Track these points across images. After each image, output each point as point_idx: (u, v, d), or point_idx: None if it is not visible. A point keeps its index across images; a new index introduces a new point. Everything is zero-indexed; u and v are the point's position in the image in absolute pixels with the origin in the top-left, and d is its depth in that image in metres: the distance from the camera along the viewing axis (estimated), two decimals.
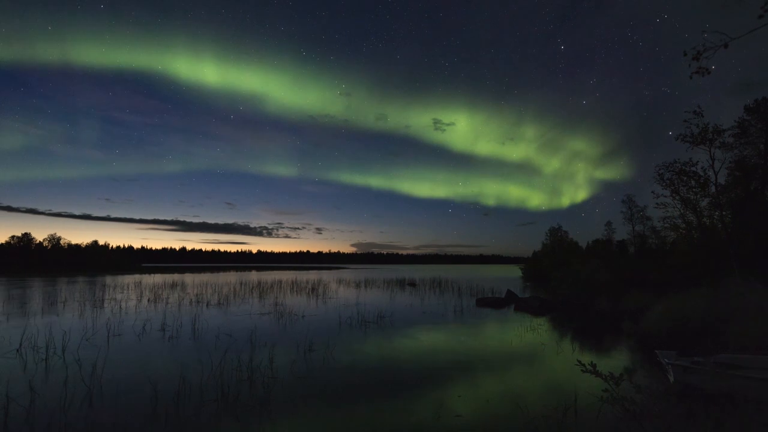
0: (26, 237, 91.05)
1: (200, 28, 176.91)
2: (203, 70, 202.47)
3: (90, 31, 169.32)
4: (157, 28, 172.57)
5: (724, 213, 17.69)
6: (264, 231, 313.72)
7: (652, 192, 19.77)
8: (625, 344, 11.33)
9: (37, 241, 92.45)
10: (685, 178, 18.41)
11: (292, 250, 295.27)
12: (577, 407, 5.87)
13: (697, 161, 17.99)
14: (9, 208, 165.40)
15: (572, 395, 6.41)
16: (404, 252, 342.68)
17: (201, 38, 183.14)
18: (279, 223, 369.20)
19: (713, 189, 17.79)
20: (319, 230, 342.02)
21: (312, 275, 61.14)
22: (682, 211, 19.11)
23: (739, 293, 11.91)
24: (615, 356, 9.95)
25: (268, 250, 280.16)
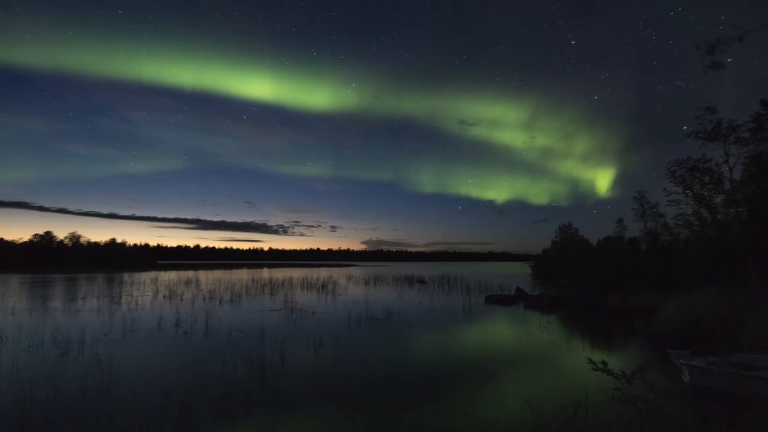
0: (48, 235, 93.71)
1: (213, 30, 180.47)
2: (216, 71, 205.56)
3: (108, 35, 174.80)
4: (172, 30, 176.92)
5: (739, 210, 17.31)
6: (280, 229, 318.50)
7: (664, 189, 19.48)
8: (637, 343, 11.21)
9: (59, 239, 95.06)
10: (698, 175, 18.07)
11: (304, 248, 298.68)
12: (588, 405, 5.84)
13: (711, 158, 17.66)
14: (41, 208, 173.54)
15: (583, 393, 6.38)
16: (413, 249, 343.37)
17: (214, 40, 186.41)
18: (296, 222, 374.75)
19: (728, 185, 17.43)
20: (333, 228, 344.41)
21: (322, 272, 61.55)
22: (695, 208, 18.78)
23: (755, 292, 11.67)
24: (626, 355, 9.86)
25: (280, 248, 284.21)
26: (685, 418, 5.32)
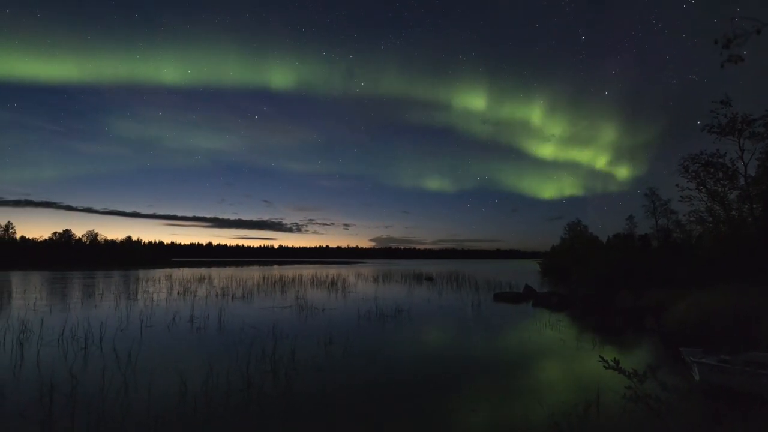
0: (67, 233, 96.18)
1: (225, 32, 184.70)
2: (228, 72, 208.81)
3: (124, 38, 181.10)
4: (185, 33, 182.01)
5: (754, 206, 16.96)
6: (294, 227, 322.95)
7: (677, 185, 19.16)
8: (648, 341, 11.12)
9: (77, 237, 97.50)
10: (712, 170, 17.75)
11: (313, 245, 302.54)
12: (599, 404, 5.85)
13: (725, 152, 17.32)
14: (69, 207, 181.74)
15: (594, 392, 6.38)
16: (422, 247, 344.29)
17: (226, 42, 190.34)
18: (310, 219, 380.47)
19: (742, 181, 17.11)
20: (346, 226, 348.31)
21: (331, 270, 61.96)
22: (708, 204, 18.44)
23: None
24: (637, 353, 9.80)
25: (290, 245, 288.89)
26: (697, 416, 5.31)
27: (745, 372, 6.30)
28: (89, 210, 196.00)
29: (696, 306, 11.87)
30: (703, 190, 18.38)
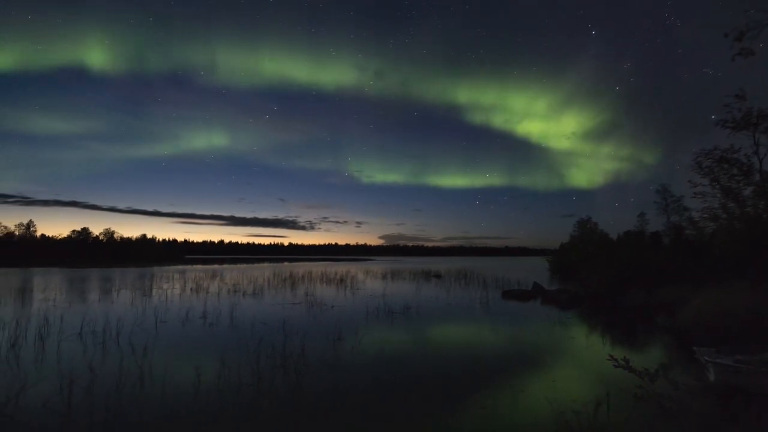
0: (85, 231, 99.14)
1: (233, 32, 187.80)
2: (238, 72, 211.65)
3: (139, 40, 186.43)
4: (196, 34, 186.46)
5: None
6: (307, 225, 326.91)
7: (689, 181, 18.79)
8: (660, 340, 11.00)
9: (94, 235, 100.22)
10: (726, 166, 17.38)
11: (323, 243, 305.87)
12: (610, 403, 5.81)
13: (740, 148, 16.96)
14: (94, 206, 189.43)
15: (604, 391, 6.34)
16: (430, 244, 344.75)
17: (234, 42, 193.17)
18: (324, 218, 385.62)
19: (758, 177, 16.72)
20: (359, 224, 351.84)
21: (340, 267, 62.33)
22: (722, 200, 18.06)
23: None
24: (649, 352, 9.70)
25: (302, 243, 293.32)
26: (711, 417, 5.25)
27: (761, 372, 6.20)
28: (113, 209, 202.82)
29: (710, 304, 11.67)
30: (717, 186, 18.00)
